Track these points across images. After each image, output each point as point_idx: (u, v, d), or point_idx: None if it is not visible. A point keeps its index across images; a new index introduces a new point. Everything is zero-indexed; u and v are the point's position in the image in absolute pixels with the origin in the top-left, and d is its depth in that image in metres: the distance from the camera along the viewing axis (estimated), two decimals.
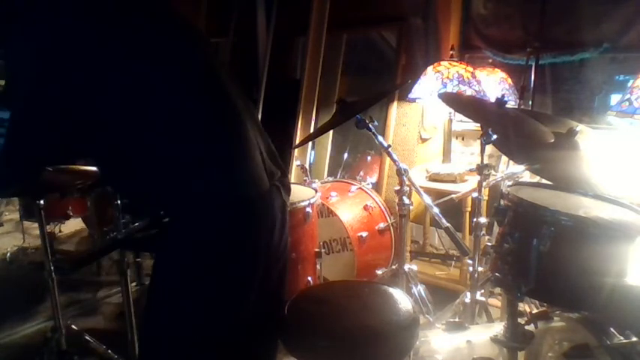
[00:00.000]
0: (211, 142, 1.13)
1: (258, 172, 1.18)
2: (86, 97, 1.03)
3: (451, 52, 2.73)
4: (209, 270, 1.15)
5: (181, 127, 1.11)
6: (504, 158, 2.81)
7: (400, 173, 2.00)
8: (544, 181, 1.71)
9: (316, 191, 2.21)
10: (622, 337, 1.43)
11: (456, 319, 2.03)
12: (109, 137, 1.09)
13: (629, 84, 2.08)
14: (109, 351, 2.22)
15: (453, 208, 2.54)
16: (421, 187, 2.18)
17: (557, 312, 1.61)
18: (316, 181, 2.77)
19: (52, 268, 2.06)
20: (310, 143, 3.48)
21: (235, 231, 1.15)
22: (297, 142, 3.33)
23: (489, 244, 1.55)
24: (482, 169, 2.02)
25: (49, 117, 1.04)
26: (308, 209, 2.07)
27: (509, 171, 2.37)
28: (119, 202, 1.74)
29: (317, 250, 2.19)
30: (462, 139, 3.11)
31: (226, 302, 1.18)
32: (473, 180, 2.65)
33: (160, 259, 1.19)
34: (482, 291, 2.16)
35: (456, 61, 2.64)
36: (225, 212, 1.13)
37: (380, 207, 2.76)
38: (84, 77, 1.02)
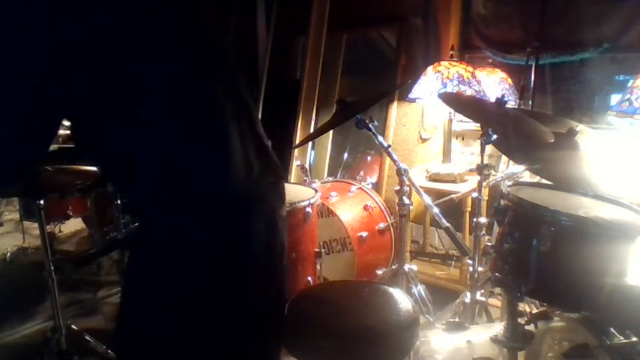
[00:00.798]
0: (186, 143, 1.09)
1: (238, 178, 1.12)
2: (85, 97, 1.03)
3: (451, 52, 2.73)
4: (183, 280, 1.10)
5: (165, 127, 1.07)
6: (504, 158, 2.81)
7: (400, 173, 2.00)
8: (544, 181, 1.71)
9: (316, 191, 2.21)
10: (622, 337, 1.43)
11: (456, 319, 2.03)
12: (105, 136, 1.08)
13: (629, 84, 2.09)
14: (109, 351, 2.23)
15: (453, 208, 2.54)
16: (421, 187, 2.18)
17: (557, 312, 1.61)
18: (316, 181, 2.77)
19: (52, 268, 2.06)
20: (310, 143, 3.48)
21: (211, 239, 1.10)
22: (297, 142, 3.33)
23: (489, 244, 1.55)
24: (482, 169, 2.02)
25: (48, 117, 1.04)
26: (308, 209, 2.07)
27: (509, 171, 2.37)
28: (119, 202, 1.74)
29: (317, 250, 2.19)
30: (462, 139, 3.11)
31: (207, 310, 1.12)
32: (473, 180, 2.65)
33: (138, 262, 1.16)
34: (482, 291, 2.16)
35: (456, 61, 2.64)
36: (200, 220, 1.09)
37: (380, 207, 2.76)
38: (84, 77, 1.02)
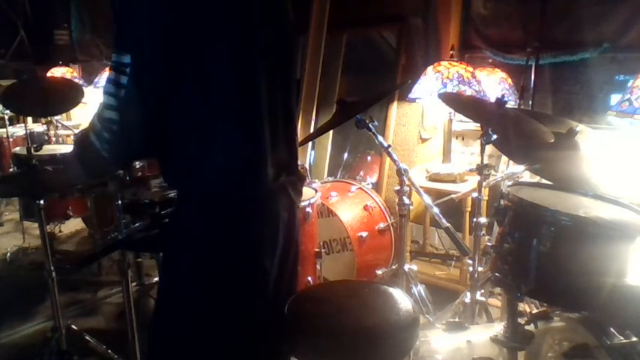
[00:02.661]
0: (227, 140, 1.15)
1: (262, 169, 1.19)
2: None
3: (451, 52, 2.73)
4: (208, 267, 1.17)
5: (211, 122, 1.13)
6: (504, 158, 2.81)
7: (400, 173, 2.00)
8: (544, 181, 1.71)
9: (316, 191, 2.21)
10: (622, 337, 1.43)
11: (456, 319, 2.03)
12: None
13: (629, 84, 2.08)
14: (109, 351, 2.23)
15: (453, 208, 2.54)
16: (421, 187, 2.18)
17: (557, 312, 1.61)
18: (316, 181, 2.77)
19: (52, 268, 2.06)
20: (310, 143, 3.48)
21: (234, 228, 1.17)
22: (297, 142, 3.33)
23: (489, 244, 1.55)
24: (482, 169, 2.02)
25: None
26: (308, 209, 2.07)
27: (509, 171, 2.38)
28: (119, 202, 1.74)
29: (317, 250, 2.19)
30: (462, 139, 3.11)
31: (228, 298, 1.19)
32: (473, 180, 2.65)
33: (164, 257, 1.25)
34: (482, 291, 2.16)
35: (456, 61, 2.64)
36: (224, 209, 1.16)
37: (380, 207, 2.76)
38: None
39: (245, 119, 1.16)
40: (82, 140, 1.17)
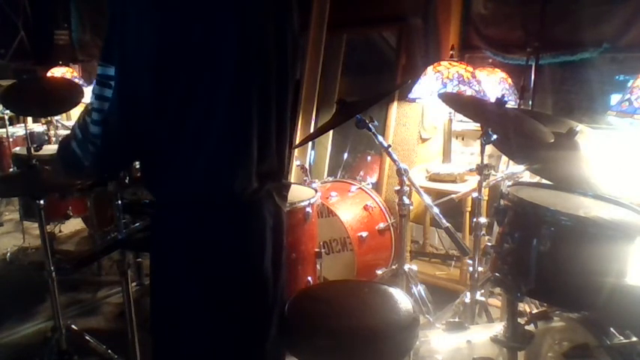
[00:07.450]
0: (216, 144, 1.13)
1: (248, 176, 1.17)
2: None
3: (451, 52, 2.73)
4: (195, 267, 1.16)
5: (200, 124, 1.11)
6: (504, 158, 2.81)
7: (400, 173, 2.00)
8: (544, 181, 1.71)
9: (316, 191, 2.21)
10: (622, 337, 1.43)
11: (456, 319, 2.03)
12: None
13: (629, 84, 2.08)
14: (109, 351, 2.23)
15: (453, 208, 2.54)
16: (421, 187, 2.18)
17: (557, 312, 1.61)
18: (316, 181, 2.77)
19: (52, 268, 2.06)
20: (310, 143, 3.48)
21: (218, 230, 1.16)
22: (297, 142, 3.33)
23: (489, 244, 1.55)
24: (482, 169, 2.02)
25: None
26: (308, 209, 2.07)
27: (509, 171, 2.38)
28: (119, 202, 1.74)
29: (317, 250, 2.19)
30: (462, 139, 3.11)
31: (216, 299, 1.18)
32: (473, 180, 2.65)
33: (151, 258, 1.23)
34: (482, 291, 2.16)
35: (456, 61, 2.64)
36: (208, 212, 1.15)
37: (380, 207, 2.76)
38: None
39: (234, 128, 1.14)
40: (65, 146, 1.17)
